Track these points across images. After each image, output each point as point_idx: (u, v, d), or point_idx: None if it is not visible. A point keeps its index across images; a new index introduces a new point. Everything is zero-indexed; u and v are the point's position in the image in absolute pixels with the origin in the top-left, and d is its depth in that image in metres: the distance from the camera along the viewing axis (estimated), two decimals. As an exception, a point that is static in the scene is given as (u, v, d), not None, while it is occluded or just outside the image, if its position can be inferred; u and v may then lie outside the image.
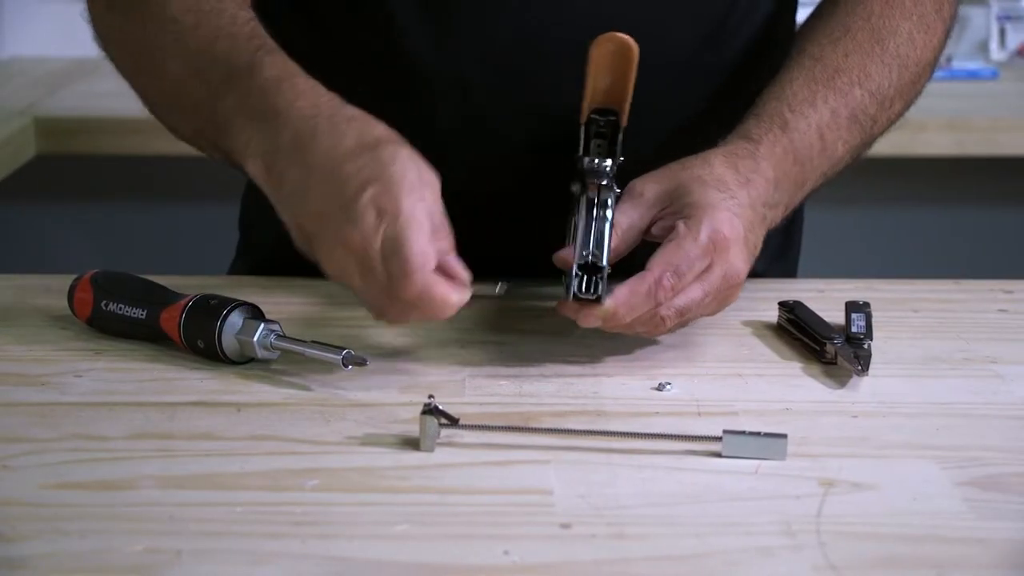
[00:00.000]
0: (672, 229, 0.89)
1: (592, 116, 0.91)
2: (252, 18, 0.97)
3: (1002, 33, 2.30)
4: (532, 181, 1.02)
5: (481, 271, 1.07)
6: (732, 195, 0.90)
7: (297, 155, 0.87)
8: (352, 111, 0.88)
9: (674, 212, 0.90)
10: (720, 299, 0.90)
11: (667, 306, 0.87)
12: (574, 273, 0.87)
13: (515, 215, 1.05)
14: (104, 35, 1.07)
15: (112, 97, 1.98)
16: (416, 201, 0.82)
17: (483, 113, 1.03)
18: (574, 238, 0.90)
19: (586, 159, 0.91)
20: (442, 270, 0.83)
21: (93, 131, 1.85)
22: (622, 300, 0.86)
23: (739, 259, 0.89)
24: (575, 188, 0.92)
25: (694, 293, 0.88)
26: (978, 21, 2.29)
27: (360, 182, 0.83)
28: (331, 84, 0.91)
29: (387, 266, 0.82)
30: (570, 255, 0.88)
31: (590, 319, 0.87)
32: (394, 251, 0.81)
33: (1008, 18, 2.30)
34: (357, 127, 0.86)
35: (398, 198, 0.82)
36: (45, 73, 2.12)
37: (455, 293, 0.83)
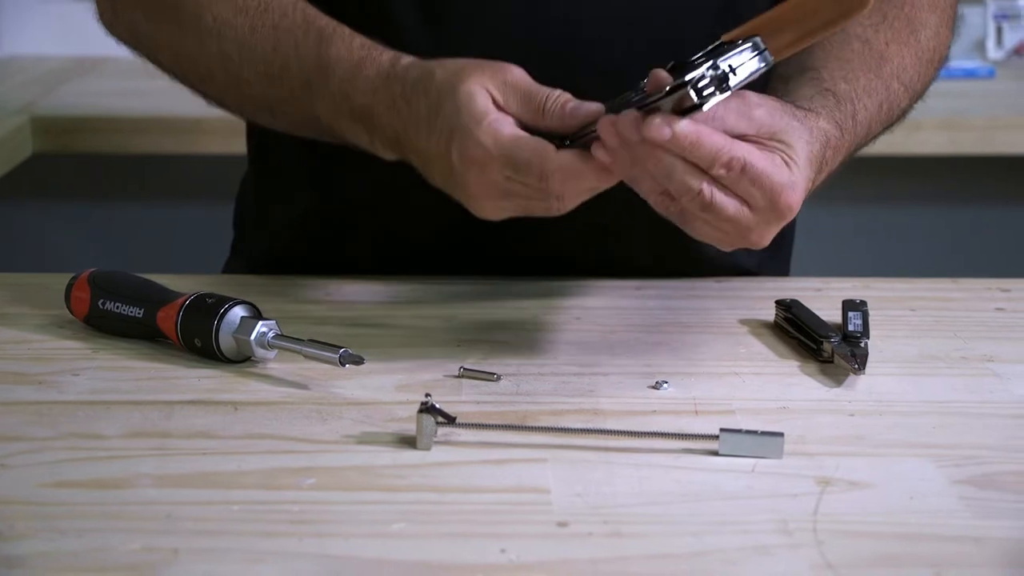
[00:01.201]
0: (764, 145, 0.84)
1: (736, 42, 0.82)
2: (298, 1, 0.98)
3: (999, 32, 2.30)
4: None
5: (481, 269, 1.08)
6: (822, 165, 0.88)
7: (406, 143, 0.91)
8: (415, 75, 0.90)
9: (771, 145, 0.84)
10: (728, 239, 0.86)
11: (707, 186, 0.82)
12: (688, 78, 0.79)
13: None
14: (148, 44, 1.06)
15: (109, 96, 1.99)
16: (489, 126, 0.85)
17: None
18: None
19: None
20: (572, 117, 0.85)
21: (90, 130, 1.85)
22: (702, 131, 0.80)
23: (768, 232, 0.85)
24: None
25: (728, 206, 0.83)
26: (975, 20, 2.29)
27: (445, 148, 0.87)
28: None
29: (524, 189, 0.85)
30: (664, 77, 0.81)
31: (663, 130, 0.80)
32: (519, 173, 0.85)
33: (1005, 17, 2.30)
34: (424, 96, 0.89)
35: (477, 139, 0.85)
36: (42, 72, 2.12)
37: (599, 154, 0.83)
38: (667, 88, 0.80)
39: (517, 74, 0.87)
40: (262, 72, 0.98)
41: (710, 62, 0.80)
